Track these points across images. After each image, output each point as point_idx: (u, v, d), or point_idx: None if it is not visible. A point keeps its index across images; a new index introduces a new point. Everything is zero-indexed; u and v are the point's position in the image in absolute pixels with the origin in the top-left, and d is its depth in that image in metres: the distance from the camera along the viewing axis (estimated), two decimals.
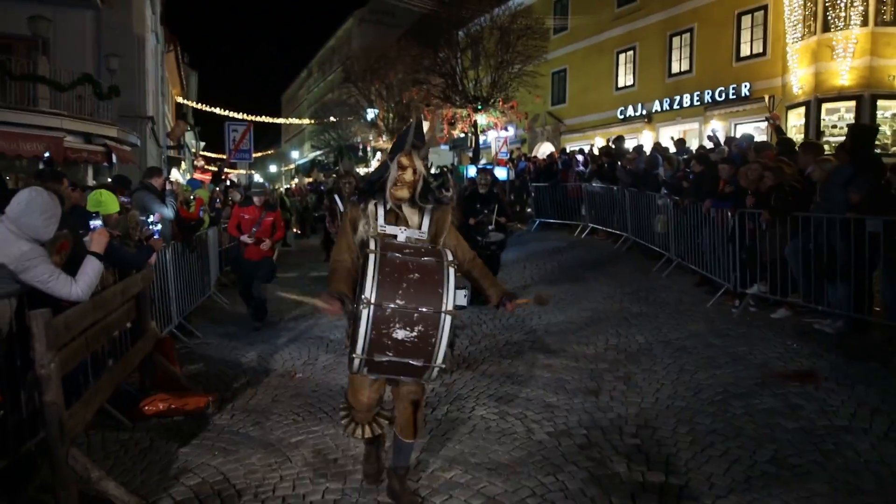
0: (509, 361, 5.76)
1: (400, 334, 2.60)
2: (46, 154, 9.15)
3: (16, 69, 13.27)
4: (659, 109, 22.89)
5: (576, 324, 6.90)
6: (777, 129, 8.84)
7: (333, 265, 3.03)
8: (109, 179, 6.63)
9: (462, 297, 4.30)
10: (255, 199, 7.43)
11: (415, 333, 2.61)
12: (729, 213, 6.96)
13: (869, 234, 5.36)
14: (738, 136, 20.18)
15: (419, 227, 2.96)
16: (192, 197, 8.96)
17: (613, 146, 13.48)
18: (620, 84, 25.01)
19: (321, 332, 7.16)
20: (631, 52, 24.52)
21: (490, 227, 8.15)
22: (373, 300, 2.57)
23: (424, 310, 2.61)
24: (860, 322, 5.80)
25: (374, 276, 2.59)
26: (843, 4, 16.73)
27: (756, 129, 18.81)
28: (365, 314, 2.57)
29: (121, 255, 4.55)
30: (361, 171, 27.29)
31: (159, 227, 4.91)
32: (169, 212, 7.03)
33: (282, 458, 3.87)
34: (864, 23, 16.55)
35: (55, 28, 15.06)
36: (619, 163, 11.26)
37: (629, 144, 15.00)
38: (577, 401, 4.67)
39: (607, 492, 3.33)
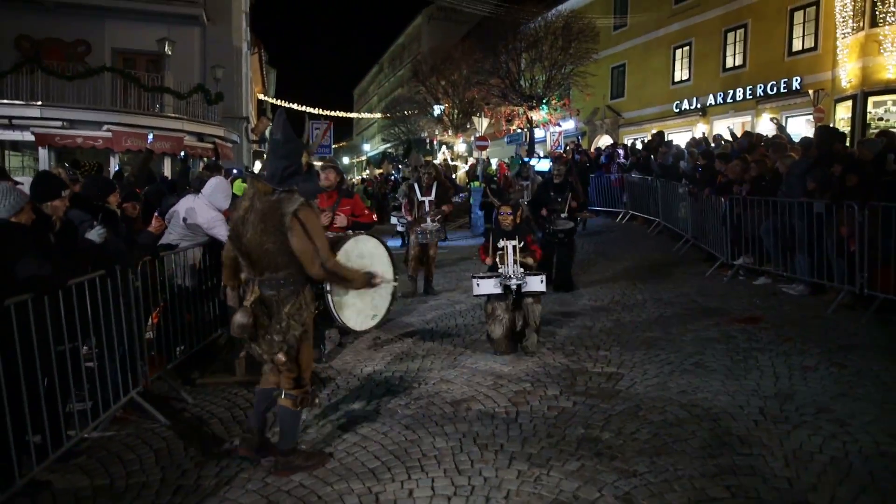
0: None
1: None
2: (182, 153, 11.56)
3: (147, 82, 16.16)
4: (713, 103, 23.66)
5: (592, 288, 8.56)
6: (778, 128, 10.12)
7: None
8: (235, 171, 8.71)
9: (539, 283, 5.57)
10: (322, 176, 6.00)
11: None
12: (722, 199, 8.47)
13: (817, 215, 6.83)
14: (787, 128, 20.94)
15: None
16: None
17: (656, 141, 14.86)
18: (676, 78, 25.90)
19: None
20: (687, 48, 25.36)
21: (562, 216, 8.25)
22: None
23: None
24: (820, 286, 7.24)
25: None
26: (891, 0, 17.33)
27: (808, 123, 19.58)
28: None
29: None
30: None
31: None
32: None
33: (358, 368, 5.83)
34: None
35: (173, 45, 17.79)
36: (653, 156, 12.71)
37: (684, 137, 16.25)
38: (574, 331, 6.42)
39: (574, 375, 5.10)
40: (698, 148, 11.10)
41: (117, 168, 13.89)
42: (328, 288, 3.78)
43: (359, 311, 4.09)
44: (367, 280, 3.60)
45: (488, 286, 5.61)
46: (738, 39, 23.20)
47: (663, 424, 4.08)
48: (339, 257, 3.71)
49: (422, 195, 8.41)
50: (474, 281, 5.68)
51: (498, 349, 5.72)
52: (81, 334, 3.80)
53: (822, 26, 19.99)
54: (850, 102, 18.73)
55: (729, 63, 23.46)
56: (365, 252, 4.25)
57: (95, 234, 4.14)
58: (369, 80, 69.27)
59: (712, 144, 10.97)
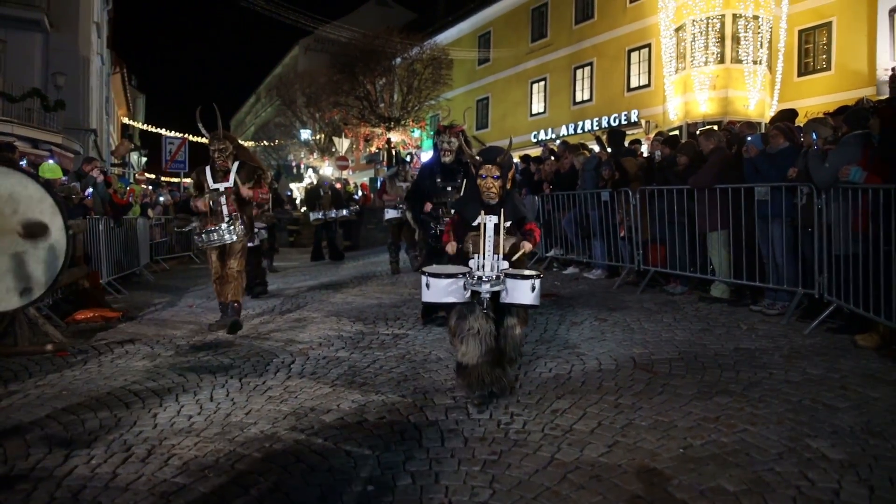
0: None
1: None
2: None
3: None
4: (566, 134, 25.47)
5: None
6: (598, 142, 11.26)
7: None
8: (47, 152, 8.38)
9: (529, 292, 3.42)
10: None
11: None
12: (536, 198, 9.25)
13: (604, 203, 7.67)
14: None
15: None
16: (126, 188, 10.82)
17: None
18: (534, 111, 27.77)
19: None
20: (543, 83, 27.31)
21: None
22: None
23: None
24: (615, 269, 8.05)
25: None
26: (703, 45, 19.79)
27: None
28: None
29: None
30: (293, 185, 29.23)
31: (90, 191, 6.79)
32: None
33: (167, 338, 5.83)
34: (721, 60, 19.58)
35: (7, 48, 16.77)
36: None
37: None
38: (380, 309, 6.76)
39: (364, 336, 5.40)
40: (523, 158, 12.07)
41: None
42: None
43: None
44: None
45: (442, 290, 3.51)
46: (585, 76, 25.33)
47: (423, 363, 4.45)
48: None
49: (215, 181, 5.64)
50: (423, 278, 3.55)
51: (476, 386, 3.53)
52: None
53: (654, 66, 22.31)
54: (677, 132, 20.94)
55: (578, 97, 25.52)
56: (2, 192, 2.80)
57: None
58: (246, 110, 67.95)
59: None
